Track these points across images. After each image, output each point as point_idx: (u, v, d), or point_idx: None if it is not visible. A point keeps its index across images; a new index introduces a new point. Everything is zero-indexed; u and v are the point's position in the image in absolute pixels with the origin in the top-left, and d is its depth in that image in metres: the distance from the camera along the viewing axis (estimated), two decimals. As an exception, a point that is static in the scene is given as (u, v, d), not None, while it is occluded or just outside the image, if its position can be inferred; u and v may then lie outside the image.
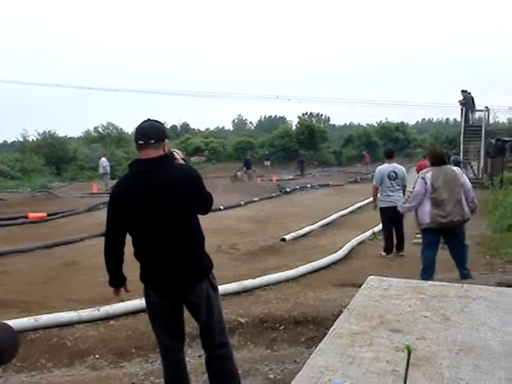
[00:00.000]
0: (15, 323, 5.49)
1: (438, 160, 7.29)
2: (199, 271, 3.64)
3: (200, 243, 3.70)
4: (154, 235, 3.52)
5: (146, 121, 3.66)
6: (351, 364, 2.17)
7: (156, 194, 3.46)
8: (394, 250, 10.04)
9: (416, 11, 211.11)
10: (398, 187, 9.78)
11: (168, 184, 3.50)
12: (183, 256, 3.55)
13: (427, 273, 7.28)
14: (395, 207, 9.37)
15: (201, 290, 3.61)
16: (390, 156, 10.23)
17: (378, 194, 10.12)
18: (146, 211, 3.47)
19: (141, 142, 3.51)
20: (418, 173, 17.62)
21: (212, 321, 3.70)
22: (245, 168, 36.26)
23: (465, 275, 7.31)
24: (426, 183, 7.05)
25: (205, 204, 3.75)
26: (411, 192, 7.40)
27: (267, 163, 45.46)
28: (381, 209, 10.06)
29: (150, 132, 3.55)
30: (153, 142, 3.51)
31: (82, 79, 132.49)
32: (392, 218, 9.82)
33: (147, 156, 3.51)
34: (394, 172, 9.80)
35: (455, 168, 7.50)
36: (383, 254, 10.03)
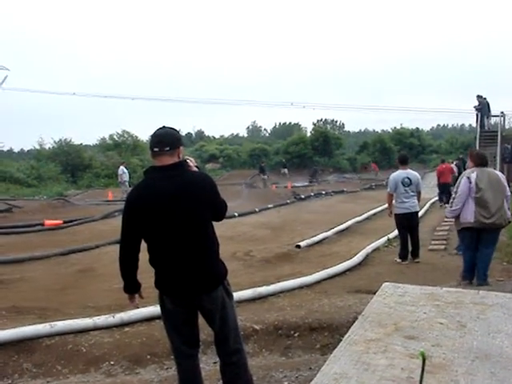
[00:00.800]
0: (31, 329, 5.53)
1: (482, 161, 7.36)
2: (214, 278, 3.65)
3: (215, 250, 3.70)
4: (169, 242, 3.53)
5: (160, 128, 3.67)
6: (366, 371, 2.16)
7: (171, 201, 3.47)
8: (410, 256, 9.96)
9: (432, 17, 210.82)
10: (412, 193, 9.72)
11: (183, 191, 3.51)
12: (198, 263, 3.55)
13: (469, 274, 7.47)
14: (410, 213, 9.56)
15: (216, 296, 3.61)
16: (404, 162, 10.17)
17: (393, 201, 10.05)
18: (161, 218, 3.48)
19: (156, 149, 3.52)
20: (438, 179, 17.39)
21: (227, 327, 3.71)
22: (261, 174, 36.41)
23: (482, 278, 7.35)
24: (470, 182, 7.08)
25: (219, 211, 3.76)
26: (455, 193, 7.34)
27: (284, 170, 45.43)
28: (396, 215, 9.98)
29: (165, 139, 3.56)
30: (167, 149, 3.53)
31: (97, 87, 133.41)
32: (407, 225, 9.85)
33: (162, 163, 3.52)
34: (408, 178, 9.73)
35: (498, 172, 7.65)
36: (398, 260, 9.96)
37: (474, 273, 7.48)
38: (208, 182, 3.70)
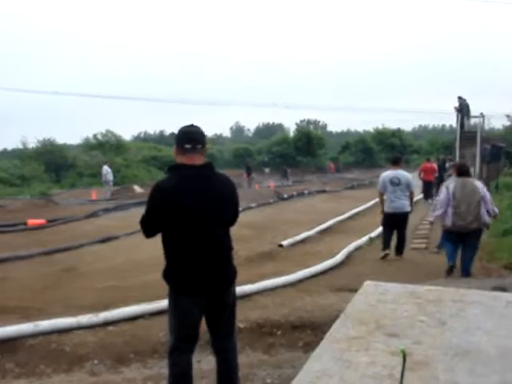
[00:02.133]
0: (14, 329, 5.52)
1: (462, 171, 8.32)
2: (234, 274, 3.80)
3: (232, 248, 3.82)
4: (200, 241, 3.57)
5: (190, 125, 3.72)
6: (348, 368, 2.19)
7: (206, 201, 3.55)
8: (394, 253, 10.12)
9: (414, 19, 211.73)
10: (401, 193, 9.83)
11: (216, 192, 3.62)
12: (224, 260, 3.69)
13: (450, 261, 8.33)
14: (398, 214, 9.77)
15: (234, 291, 3.82)
16: (394, 163, 10.33)
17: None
18: (196, 217, 3.54)
19: (188, 145, 3.57)
20: (420, 174, 18.50)
21: (232, 324, 3.88)
22: (248, 174, 36.55)
23: (465, 274, 8.15)
24: (448, 193, 7.99)
25: (237, 214, 3.93)
26: (437, 199, 8.35)
27: (267, 170, 45.53)
28: (384, 213, 10.16)
29: (197, 137, 3.63)
30: (200, 147, 3.60)
31: (81, 87, 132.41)
32: (394, 223, 10.01)
33: (192, 161, 3.58)
34: (397, 178, 9.84)
35: (478, 182, 8.40)
36: (381, 253, 10.07)
37: (455, 263, 8.32)
38: (234, 186, 3.85)
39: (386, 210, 10.02)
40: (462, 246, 8.23)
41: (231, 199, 3.78)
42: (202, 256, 3.58)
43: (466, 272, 8.20)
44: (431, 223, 9.02)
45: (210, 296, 3.65)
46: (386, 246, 10.08)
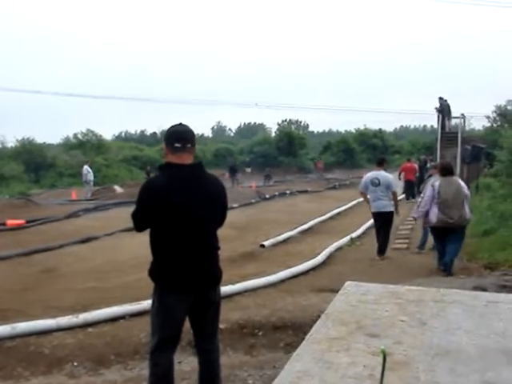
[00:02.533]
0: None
1: (445, 170, 8.70)
2: (220, 273, 3.88)
3: (219, 247, 3.89)
4: (190, 238, 3.60)
5: (180, 124, 3.74)
6: (328, 369, 2.18)
7: (197, 200, 3.58)
8: (377, 253, 10.27)
9: (393, 20, 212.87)
10: (381, 193, 10.04)
11: (206, 191, 3.67)
12: (212, 258, 3.76)
13: (440, 261, 8.77)
14: (380, 213, 10.05)
15: (219, 291, 3.88)
16: (378, 164, 10.63)
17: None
18: (187, 216, 3.56)
19: (178, 144, 3.58)
20: (400, 174, 18.96)
21: (216, 323, 3.89)
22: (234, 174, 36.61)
23: (447, 264, 8.56)
24: (434, 190, 8.38)
25: (226, 214, 3.99)
26: (422, 198, 8.72)
27: (248, 170, 45.50)
28: (372, 212, 10.46)
29: (187, 136, 3.65)
30: (190, 146, 3.62)
31: (62, 86, 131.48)
32: (378, 222, 10.33)
33: (182, 161, 3.59)
34: (377, 179, 10.06)
35: (459, 180, 8.94)
36: (376, 256, 10.25)
37: (442, 261, 8.72)
38: (223, 186, 3.92)
39: (372, 209, 10.31)
40: (447, 241, 8.59)
41: (220, 199, 3.82)
42: (190, 254, 3.59)
43: (449, 264, 8.58)
44: (415, 219, 9.41)
45: (197, 294, 3.66)
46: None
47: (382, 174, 10.25)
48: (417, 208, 8.80)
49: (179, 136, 3.61)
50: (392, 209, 10.21)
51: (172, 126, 3.71)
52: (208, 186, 3.71)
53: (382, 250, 10.25)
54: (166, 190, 3.51)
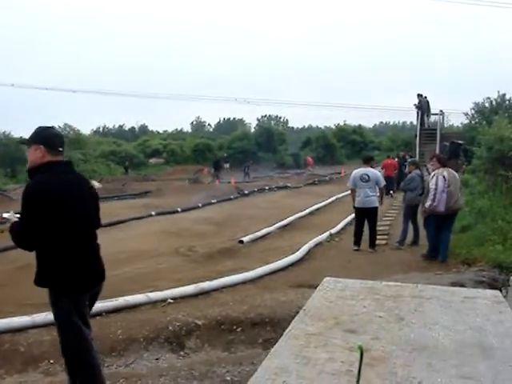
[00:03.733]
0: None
1: (445, 163, 9.72)
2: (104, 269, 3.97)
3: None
4: (85, 237, 3.73)
5: (53, 127, 3.94)
6: (306, 365, 2.18)
7: (83, 201, 3.75)
8: (368, 246, 10.63)
9: (374, 14, 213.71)
10: (370, 189, 10.50)
11: (88, 192, 3.89)
12: (99, 254, 3.89)
13: (435, 252, 9.43)
14: (367, 208, 10.47)
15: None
16: (365, 161, 11.06)
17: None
18: (82, 216, 3.68)
19: (61, 148, 3.73)
20: (381, 170, 18.99)
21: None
22: (213, 170, 36.54)
23: (445, 250, 9.30)
24: (445, 180, 9.01)
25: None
26: (435, 189, 9.04)
27: (226, 165, 45.36)
28: (354, 208, 10.84)
29: (63, 140, 3.84)
30: (63, 149, 3.77)
31: (38, 79, 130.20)
32: (364, 217, 10.64)
33: (58, 160, 3.71)
34: (367, 175, 10.51)
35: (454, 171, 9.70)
36: (352, 247, 10.65)
37: (438, 251, 9.33)
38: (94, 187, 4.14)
39: (357, 205, 10.63)
40: (442, 229, 9.33)
41: (97, 197, 4.03)
42: (86, 250, 3.73)
43: (446, 254, 9.31)
44: (433, 207, 9.22)
45: (97, 286, 3.87)
46: (357, 241, 10.70)
47: (371, 171, 10.71)
48: (431, 199, 9.09)
49: (61, 140, 3.79)
50: (378, 204, 10.74)
51: (50, 130, 3.82)
52: (87, 187, 3.91)
53: (373, 244, 10.70)
54: (56, 193, 3.55)
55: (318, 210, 18.10)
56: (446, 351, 2.34)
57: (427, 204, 9.19)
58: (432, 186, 9.11)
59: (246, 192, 24.95)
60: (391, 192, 18.18)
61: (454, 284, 6.52)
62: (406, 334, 2.53)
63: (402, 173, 20.39)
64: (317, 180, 33.70)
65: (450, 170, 9.49)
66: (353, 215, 14.15)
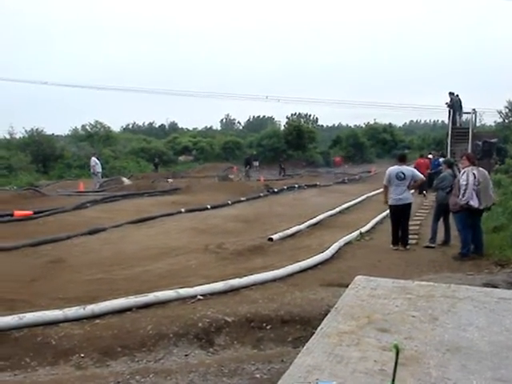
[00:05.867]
0: (-1, 321, 5.45)
1: (475, 161, 9.85)
2: None
3: None
4: None
5: None
6: (339, 363, 2.16)
7: None
8: (401, 245, 10.71)
9: (405, 12, 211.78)
10: (405, 187, 10.60)
11: None
12: None
13: (468, 248, 9.47)
14: (402, 205, 10.55)
15: None
16: (400, 160, 11.12)
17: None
18: None
19: None
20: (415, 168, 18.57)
21: None
22: (248, 167, 36.60)
23: (480, 245, 9.59)
24: (475, 177, 9.18)
25: None
26: (466, 184, 9.18)
27: (256, 163, 45.36)
28: (389, 206, 10.93)
29: None
30: None
31: (70, 77, 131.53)
32: (399, 215, 10.72)
33: None
34: (403, 173, 10.58)
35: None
36: (391, 246, 10.75)
37: (469, 248, 9.48)
38: None
39: (391, 202, 10.71)
40: (475, 226, 9.58)
41: None
42: None
43: (482, 246, 9.61)
44: (467, 204, 9.31)
45: None
46: (395, 240, 10.78)
47: (406, 169, 10.78)
48: (462, 196, 9.24)
49: None
50: (412, 199, 11.00)
51: None
52: None
53: (405, 242, 10.76)
54: None
55: (347, 208, 18.00)
56: (481, 353, 2.30)
57: (459, 199, 9.25)
58: (463, 181, 9.21)
59: (276, 190, 24.89)
60: (424, 192, 18.04)
61: (486, 285, 6.42)
62: (440, 334, 2.50)
63: (436, 172, 20.18)
64: (347, 179, 33.51)
65: (480, 168, 9.60)
66: (383, 214, 14.12)
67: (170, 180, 31.34)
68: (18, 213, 15.21)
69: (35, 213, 15.49)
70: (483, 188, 9.23)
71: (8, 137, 47.21)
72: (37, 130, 45.97)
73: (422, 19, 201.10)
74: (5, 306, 6.61)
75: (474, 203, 9.17)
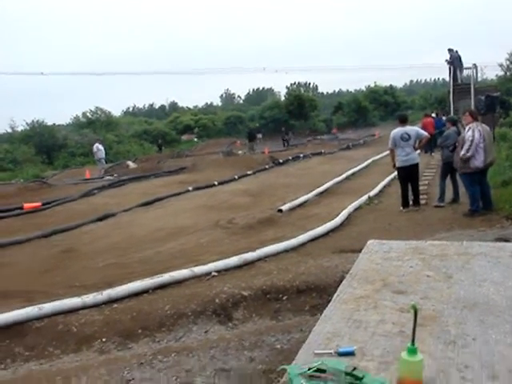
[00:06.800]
0: (20, 313, 5.51)
1: (478, 117, 9.72)
2: None
3: None
4: None
5: None
6: (358, 328, 2.18)
7: None
8: (413, 204, 10.75)
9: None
10: (410, 148, 10.53)
11: None
12: None
13: (478, 205, 9.41)
14: (410, 166, 10.47)
15: None
16: (402, 121, 10.99)
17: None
18: None
19: None
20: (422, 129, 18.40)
21: None
22: (247, 141, 36.42)
23: (490, 200, 9.56)
24: (480, 134, 9.05)
25: None
26: (472, 140, 9.01)
27: (259, 136, 45.25)
28: (397, 168, 10.79)
29: None
30: None
31: (65, 66, 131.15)
32: (407, 177, 10.63)
33: None
34: (407, 134, 10.48)
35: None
36: (401, 208, 10.73)
37: (479, 204, 9.42)
38: None
39: (399, 164, 10.62)
40: (483, 183, 9.47)
41: None
42: None
43: (491, 201, 9.56)
44: (468, 157, 9.21)
45: None
46: (405, 202, 10.75)
47: (409, 129, 10.72)
48: (466, 151, 9.10)
49: None
50: (419, 160, 10.97)
51: None
52: None
53: (418, 202, 10.82)
54: None
55: (354, 174, 18.01)
56: (498, 307, 2.31)
57: (461, 153, 9.15)
58: (469, 137, 9.07)
59: (281, 161, 24.86)
60: (431, 151, 18.00)
61: (498, 239, 6.42)
62: (456, 291, 2.51)
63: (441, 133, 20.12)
64: (351, 144, 33.43)
65: (483, 124, 9.49)
66: (390, 177, 14.12)
67: (130, 163, 30.98)
68: (27, 205, 15.27)
69: (44, 204, 15.55)
70: (488, 145, 9.14)
71: (10, 130, 47.34)
72: (37, 121, 46.10)
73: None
74: (23, 297, 6.68)
75: (479, 164, 9.10)
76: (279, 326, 5.14)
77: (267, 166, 22.98)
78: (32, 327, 5.41)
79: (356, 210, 11.11)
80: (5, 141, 46.09)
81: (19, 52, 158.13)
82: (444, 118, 22.36)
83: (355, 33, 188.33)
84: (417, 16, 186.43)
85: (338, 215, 10.04)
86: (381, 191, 13.31)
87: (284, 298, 5.81)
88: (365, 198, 12.13)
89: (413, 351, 1.71)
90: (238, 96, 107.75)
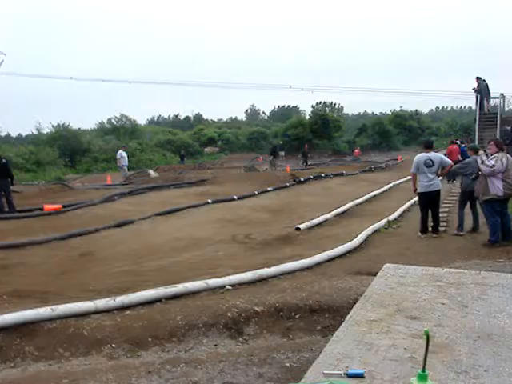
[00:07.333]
0: (32, 313, 5.54)
1: (503, 147, 9.60)
2: None
3: None
4: None
5: None
6: (368, 351, 2.16)
7: None
8: (432, 231, 10.67)
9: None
10: (433, 174, 10.46)
11: None
12: None
13: (497, 236, 9.29)
14: (431, 192, 10.43)
15: None
16: (427, 147, 10.94)
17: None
18: None
19: None
20: (446, 156, 18.51)
21: None
22: (271, 157, 36.26)
23: (509, 231, 9.41)
24: (502, 164, 9.03)
25: None
26: (494, 166, 9.02)
27: (282, 153, 45.23)
28: (418, 193, 10.75)
29: None
30: None
31: (95, 72, 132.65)
32: (428, 203, 10.60)
33: None
34: (431, 160, 10.46)
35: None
36: (419, 234, 10.66)
37: (499, 235, 9.30)
38: None
39: (420, 190, 10.59)
40: (503, 213, 9.38)
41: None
42: None
43: (511, 234, 9.39)
44: (493, 166, 9.18)
45: None
46: (424, 228, 10.70)
47: (433, 155, 10.66)
48: (491, 168, 9.10)
49: None
50: (441, 186, 10.84)
51: None
52: None
53: (437, 229, 10.75)
54: None
55: (374, 197, 17.92)
56: (513, 339, 2.28)
57: (485, 171, 9.18)
58: (490, 163, 9.10)
59: (302, 179, 24.82)
60: (453, 179, 17.86)
61: (517, 271, 6.35)
62: (470, 321, 2.49)
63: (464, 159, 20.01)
64: (373, 167, 33.31)
65: (508, 155, 9.37)
66: (411, 202, 14.04)
67: (151, 172, 30.88)
68: (47, 207, 15.40)
69: (64, 206, 15.67)
70: (507, 175, 9.08)
71: (36, 132, 47.93)
72: (63, 124, 46.59)
73: (451, 3, 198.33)
74: (37, 298, 6.73)
75: (498, 193, 9.10)
76: (290, 344, 5.12)
77: (288, 184, 22.94)
78: (44, 328, 5.44)
79: (375, 232, 11.04)
80: (31, 142, 46.66)
81: (49, 56, 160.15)
82: (464, 145, 22.29)
83: (384, 55, 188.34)
84: (448, 43, 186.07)
85: (356, 237, 9.99)
86: (400, 216, 13.22)
87: (296, 316, 5.78)
88: (384, 221, 12.06)
89: (423, 378, 1.69)
90: (263, 112, 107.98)
